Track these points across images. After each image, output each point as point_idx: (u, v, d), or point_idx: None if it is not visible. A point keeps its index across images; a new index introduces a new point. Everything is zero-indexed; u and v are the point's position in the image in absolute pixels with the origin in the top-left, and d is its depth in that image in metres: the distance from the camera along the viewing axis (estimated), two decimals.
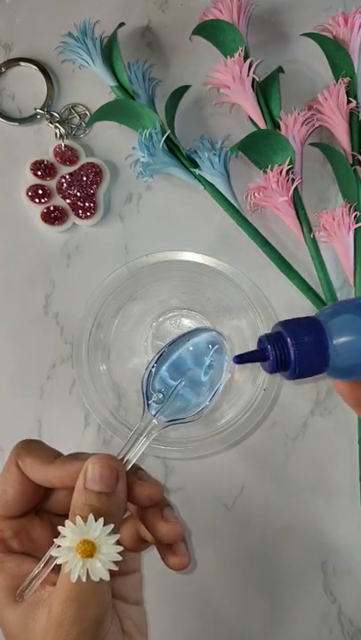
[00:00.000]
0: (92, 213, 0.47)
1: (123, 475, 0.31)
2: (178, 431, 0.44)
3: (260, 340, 0.32)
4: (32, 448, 0.33)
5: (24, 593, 0.30)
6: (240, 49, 0.44)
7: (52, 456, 0.32)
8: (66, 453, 0.33)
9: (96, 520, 0.29)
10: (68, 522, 0.29)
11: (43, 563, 0.30)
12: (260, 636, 0.45)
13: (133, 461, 0.33)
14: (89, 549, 0.28)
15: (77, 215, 0.47)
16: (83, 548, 0.28)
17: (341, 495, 0.45)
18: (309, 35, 0.46)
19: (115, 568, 0.28)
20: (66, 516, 0.30)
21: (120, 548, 0.28)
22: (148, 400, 0.37)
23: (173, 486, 0.46)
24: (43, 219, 0.47)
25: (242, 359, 0.32)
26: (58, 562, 0.28)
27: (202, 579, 0.45)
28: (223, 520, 0.45)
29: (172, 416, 0.37)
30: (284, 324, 0.31)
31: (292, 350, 0.30)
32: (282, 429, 0.46)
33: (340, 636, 0.45)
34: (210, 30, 0.46)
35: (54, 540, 0.29)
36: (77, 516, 0.29)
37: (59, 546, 0.29)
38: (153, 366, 0.38)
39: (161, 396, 0.38)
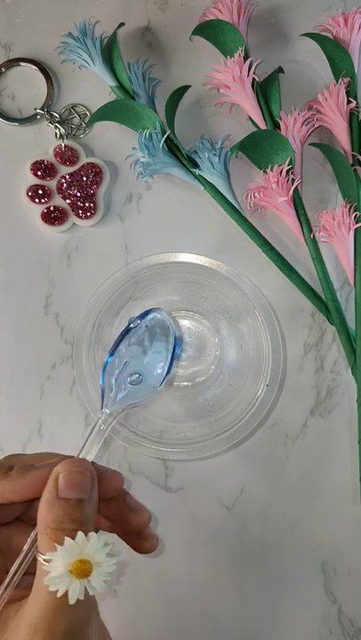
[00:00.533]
0: (92, 213, 0.47)
1: (95, 475, 0.30)
2: (178, 431, 0.44)
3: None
4: None
5: None
6: (240, 49, 0.44)
7: (4, 469, 0.30)
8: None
9: (86, 534, 0.27)
10: (57, 546, 0.26)
11: (6, 581, 0.28)
12: (260, 635, 0.45)
13: (91, 458, 0.33)
14: (86, 568, 0.26)
15: (77, 215, 0.47)
16: (80, 568, 0.26)
17: (342, 495, 0.45)
18: (310, 35, 0.46)
19: (110, 578, 0.27)
20: (9, 525, 0.29)
21: (116, 559, 0.27)
22: (102, 397, 0.37)
23: (174, 487, 0.46)
24: (43, 219, 0.47)
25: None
26: (59, 594, 0.26)
27: (201, 579, 0.45)
28: (223, 520, 0.45)
29: (125, 403, 0.37)
30: None
31: None
32: (282, 430, 0.46)
33: (340, 636, 0.45)
34: (210, 30, 0.46)
35: (43, 567, 0.26)
36: (66, 538, 0.26)
37: (46, 571, 0.26)
38: (105, 365, 0.38)
39: (136, 376, 0.38)
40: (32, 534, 0.29)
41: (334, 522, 0.45)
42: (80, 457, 0.32)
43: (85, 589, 0.26)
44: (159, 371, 0.40)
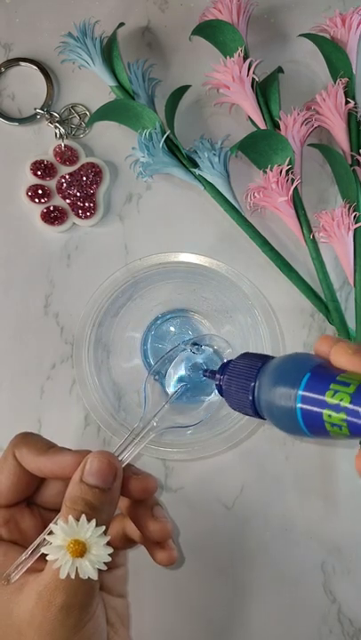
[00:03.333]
0: (91, 213, 0.47)
1: (120, 474, 0.32)
2: (179, 432, 0.44)
3: (222, 365, 0.34)
4: (29, 439, 0.34)
5: (10, 577, 0.30)
6: (240, 49, 0.44)
7: (47, 447, 0.33)
8: None
9: (89, 520, 0.29)
10: (60, 520, 0.29)
11: (30, 550, 0.31)
12: (260, 635, 0.45)
13: (127, 461, 0.34)
14: (79, 549, 0.28)
15: (77, 215, 0.47)
16: (73, 547, 0.28)
17: (341, 495, 0.45)
18: (307, 35, 0.46)
19: (104, 568, 0.28)
20: (55, 512, 0.31)
21: (110, 550, 0.29)
22: (146, 401, 0.37)
23: (174, 486, 0.46)
24: (43, 219, 0.47)
25: (205, 374, 0.36)
26: (48, 559, 0.29)
27: (201, 579, 0.45)
28: (223, 520, 0.46)
29: (170, 420, 0.38)
30: (243, 355, 0.33)
31: (223, 383, 0.33)
32: None
33: (340, 636, 0.45)
34: (209, 30, 0.46)
35: (45, 537, 0.29)
36: (70, 516, 0.29)
37: (47, 540, 0.29)
38: (156, 368, 0.38)
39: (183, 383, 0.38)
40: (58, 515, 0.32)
41: (334, 522, 0.45)
42: (111, 452, 0.33)
43: (76, 570, 0.28)
44: (205, 404, 0.41)
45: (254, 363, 0.31)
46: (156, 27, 0.49)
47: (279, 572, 0.45)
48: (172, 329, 0.47)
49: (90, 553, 0.28)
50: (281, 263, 0.46)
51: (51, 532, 0.29)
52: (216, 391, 0.35)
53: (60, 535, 0.29)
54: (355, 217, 0.44)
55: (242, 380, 0.31)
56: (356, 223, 0.44)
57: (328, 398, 0.25)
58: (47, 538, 0.29)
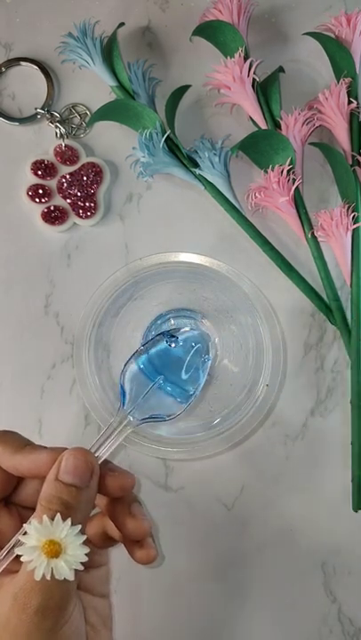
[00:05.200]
0: (92, 213, 0.47)
1: (97, 471, 0.31)
2: (179, 432, 0.44)
3: None
4: (5, 437, 0.33)
5: None
6: (240, 49, 0.44)
7: (23, 444, 0.32)
8: None
9: (64, 519, 0.28)
10: (33, 520, 0.28)
11: (5, 551, 0.30)
12: (260, 635, 0.45)
13: (104, 457, 0.33)
14: (54, 550, 0.27)
15: (78, 215, 0.47)
16: (48, 548, 0.27)
17: (342, 495, 0.45)
18: (312, 34, 0.46)
19: (80, 568, 0.28)
20: (34, 511, 0.30)
21: (87, 550, 0.28)
22: (123, 396, 0.37)
23: (174, 486, 0.46)
24: (43, 218, 0.47)
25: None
26: (22, 560, 0.28)
27: (201, 579, 0.45)
28: (223, 520, 0.45)
29: (147, 413, 0.37)
30: None
31: None
32: (282, 429, 0.46)
33: (340, 636, 0.45)
34: (210, 31, 0.46)
35: (19, 537, 0.29)
36: (44, 516, 0.28)
37: (21, 541, 0.28)
38: (130, 362, 0.38)
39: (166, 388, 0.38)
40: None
41: (334, 521, 0.45)
42: (95, 438, 0.33)
43: (52, 571, 0.27)
44: (188, 388, 0.40)
45: None
46: (157, 26, 0.49)
47: (279, 572, 0.45)
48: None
49: (65, 553, 0.28)
50: (282, 263, 0.46)
51: (25, 533, 0.28)
52: (201, 382, 0.36)
53: (34, 535, 0.28)
54: (353, 217, 0.44)
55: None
56: (354, 223, 0.44)
57: None
58: (21, 538, 0.28)
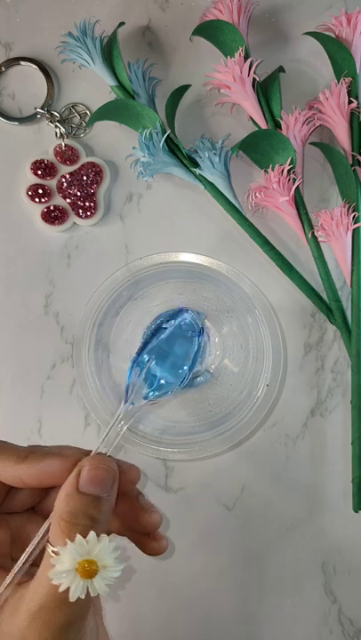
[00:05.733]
0: (92, 213, 0.47)
1: (117, 476, 0.30)
2: (178, 432, 0.44)
3: None
4: (3, 447, 0.31)
5: None
6: (240, 49, 0.44)
7: (25, 453, 0.30)
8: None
9: (95, 534, 0.26)
10: (69, 543, 0.26)
11: (9, 578, 0.28)
12: (260, 635, 0.45)
13: (109, 453, 0.32)
14: (92, 570, 0.26)
15: (78, 215, 0.47)
16: (85, 568, 0.26)
17: (342, 495, 0.45)
18: (312, 34, 0.46)
19: (114, 582, 0.26)
20: (24, 517, 0.29)
21: (122, 566, 0.26)
22: (127, 392, 0.38)
23: (174, 487, 0.46)
24: (43, 218, 0.47)
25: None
26: (61, 589, 0.26)
27: (202, 579, 0.45)
28: (224, 520, 0.45)
29: (147, 395, 0.38)
30: None
31: None
32: (282, 429, 0.46)
33: (340, 637, 0.45)
34: (210, 30, 0.46)
35: (51, 560, 0.26)
36: (78, 535, 0.26)
37: (50, 563, 0.26)
38: (134, 361, 0.39)
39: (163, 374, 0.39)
40: (44, 525, 0.29)
41: (335, 522, 0.45)
42: (100, 450, 0.31)
43: (87, 589, 0.26)
44: (182, 369, 0.41)
45: None
46: (157, 26, 0.49)
47: (280, 573, 0.45)
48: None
49: (102, 570, 0.26)
50: (282, 263, 0.46)
51: (56, 553, 0.26)
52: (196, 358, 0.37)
53: (69, 557, 0.26)
54: (354, 217, 0.44)
55: None
56: (354, 223, 0.44)
57: None
58: (53, 561, 0.26)
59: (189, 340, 0.42)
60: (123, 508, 0.32)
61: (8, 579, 0.28)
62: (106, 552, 0.26)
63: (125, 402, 0.37)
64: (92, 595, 0.26)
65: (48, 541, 0.27)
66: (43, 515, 0.33)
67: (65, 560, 0.26)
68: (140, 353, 0.40)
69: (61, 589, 0.26)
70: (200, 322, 0.43)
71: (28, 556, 0.29)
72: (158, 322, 0.42)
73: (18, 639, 0.26)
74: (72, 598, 0.25)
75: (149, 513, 0.32)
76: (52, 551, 0.27)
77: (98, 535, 0.26)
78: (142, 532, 0.32)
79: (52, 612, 0.26)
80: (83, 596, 0.26)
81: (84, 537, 0.26)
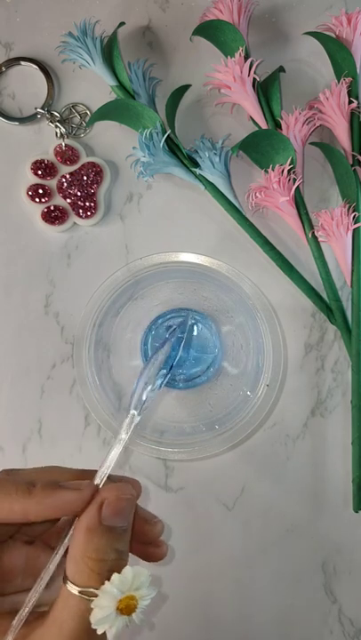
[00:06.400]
0: (92, 213, 0.47)
1: (135, 501, 0.28)
2: (178, 432, 0.44)
3: None
4: (3, 482, 0.28)
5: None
6: (240, 49, 0.44)
7: (27, 487, 0.27)
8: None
9: (120, 566, 0.25)
10: (107, 586, 0.25)
11: (24, 613, 0.26)
12: (260, 635, 0.45)
13: (111, 467, 0.31)
14: (133, 605, 0.25)
15: (78, 215, 0.47)
16: (126, 605, 0.25)
17: (342, 495, 0.45)
18: (312, 34, 0.46)
19: (146, 608, 0.26)
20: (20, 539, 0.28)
21: (154, 593, 0.26)
22: (131, 399, 0.37)
23: (174, 487, 0.46)
24: (43, 218, 0.47)
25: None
26: (100, 631, 0.25)
27: (202, 579, 0.45)
28: (224, 520, 0.45)
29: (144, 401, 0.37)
30: None
31: None
32: (282, 430, 0.46)
33: (340, 637, 0.45)
34: (210, 30, 0.46)
35: (91, 605, 0.25)
36: (115, 575, 0.25)
37: (93, 610, 0.25)
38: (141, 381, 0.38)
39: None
40: (53, 559, 0.28)
41: (335, 522, 0.45)
42: (106, 465, 0.30)
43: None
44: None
45: None
46: (157, 26, 0.49)
47: (280, 572, 0.45)
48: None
49: (141, 601, 0.25)
50: (282, 263, 0.46)
51: (80, 594, 0.25)
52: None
53: (109, 597, 0.24)
54: (354, 217, 0.44)
55: None
56: (355, 223, 0.44)
57: None
58: (93, 605, 0.24)
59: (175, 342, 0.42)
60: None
61: (16, 622, 0.26)
62: (144, 587, 0.25)
63: (138, 413, 0.36)
64: (128, 625, 0.25)
65: (67, 579, 0.26)
66: (44, 543, 0.31)
67: (105, 602, 0.24)
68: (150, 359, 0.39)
69: (100, 631, 0.24)
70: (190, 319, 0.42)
71: (37, 593, 0.27)
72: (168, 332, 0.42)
73: None
74: (114, 637, 0.25)
75: (152, 524, 0.31)
76: (81, 591, 0.25)
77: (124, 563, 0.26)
78: (145, 542, 0.31)
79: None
80: (120, 632, 0.25)
81: (118, 572, 0.25)
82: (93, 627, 0.24)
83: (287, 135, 0.45)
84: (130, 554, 0.29)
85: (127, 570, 0.25)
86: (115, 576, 0.25)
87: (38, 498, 0.26)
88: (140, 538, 0.31)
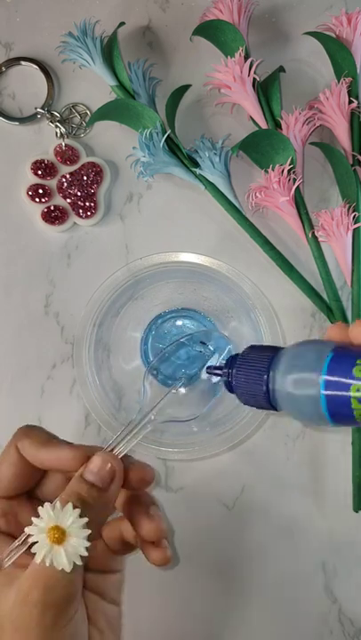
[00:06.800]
0: (92, 213, 0.47)
1: (119, 476, 0.32)
2: (178, 432, 0.44)
3: (227, 359, 0.33)
4: (31, 431, 0.34)
5: (2, 562, 0.30)
6: (240, 49, 0.44)
7: (48, 439, 0.33)
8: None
9: (90, 519, 0.29)
10: (46, 504, 0.29)
11: (23, 537, 0.31)
12: (260, 635, 0.45)
13: (125, 452, 0.34)
14: (57, 536, 0.28)
15: (78, 215, 0.47)
16: (52, 533, 0.28)
17: (342, 495, 0.45)
18: (313, 34, 0.46)
19: (78, 562, 0.28)
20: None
21: (87, 544, 0.28)
22: (145, 395, 0.37)
23: (174, 487, 0.46)
24: (43, 218, 0.47)
25: (209, 371, 0.35)
26: (30, 540, 0.29)
27: (202, 579, 0.45)
28: (224, 520, 0.45)
29: (168, 415, 0.37)
30: (251, 347, 0.32)
31: (234, 376, 0.32)
32: (282, 430, 0.46)
33: (340, 637, 0.45)
34: (210, 30, 0.46)
35: (32, 518, 0.29)
36: (57, 501, 0.29)
37: (33, 522, 0.29)
38: (155, 364, 0.38)
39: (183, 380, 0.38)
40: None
41: (335, 521, 0.45)
42: (115, 450, 0.33)
43: (52, 561, 0.28)
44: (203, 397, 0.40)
45: (265, 354, 0.31)
46: (157, 26, 0.49)
47: (280, 572, 0.45)
48: (172, 329, 0.46)
49: (67, 543, 0.28)
50: (282, 263, 0.46)
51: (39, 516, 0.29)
52: (221, 385, 0.35)
53: (44, 518, 0.29)
54: (354, 217, 0.44)
55: (254, 372, 0.30)
56: (355, 223, 0.44)
57: (357, 373, 0.25)
58: (33, 520, 0.29)
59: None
60: (133, 513, 0.34)
61: (16, 542, 0.31)
62: (75, 526, 0.28)
63: (142, 406, 0.37)
64: (55, 566, 0.28)
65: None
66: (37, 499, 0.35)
67: (41, 520, 0.29)
68: (158, 363, 0.40)
69: (38, 561, 0.28)
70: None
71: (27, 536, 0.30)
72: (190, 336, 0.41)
73: (8, 612, 0.28)
74: (37, 559, 0.28)
75: (154, 521, 0.33)
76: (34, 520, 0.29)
77: (82, 515, 0.29)
78: (146, 538, 0.33)
79: (29, 587, 0.28)
80: (47, 562, 0.28)
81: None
82: (27, 532, 0.29)
83: (287, 135, 0.45)
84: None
85: (68, 506, 0.29)
86: (56, 504, 0.29)
87: (49, 448, 0.32)
88: (139, 532, 0.33)
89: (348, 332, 0.28)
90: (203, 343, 0.40)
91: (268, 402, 0.30)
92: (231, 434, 0.42)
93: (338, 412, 0.26)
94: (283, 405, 0.30)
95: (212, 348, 0.40)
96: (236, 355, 0.33)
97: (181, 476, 0.46)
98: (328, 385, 0.26)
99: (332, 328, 0.29)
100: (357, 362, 0.25)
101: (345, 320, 0.45)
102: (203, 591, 0.45)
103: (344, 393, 0.26)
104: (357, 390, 0.25)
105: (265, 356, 0.31)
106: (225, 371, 0.33)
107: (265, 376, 0.30)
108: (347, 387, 0.25)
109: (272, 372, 0.30)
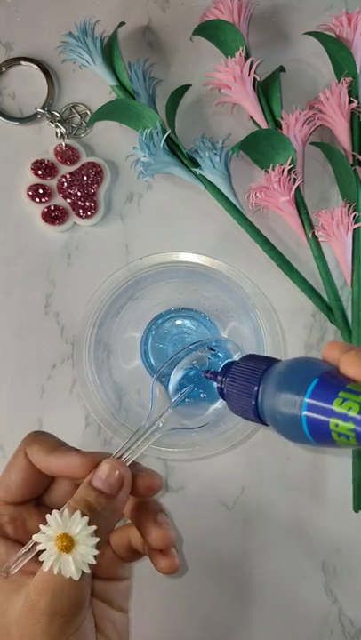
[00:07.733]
0: (92, 213, 0.47)
1: (128, 483, 0.32)
2: (182, 433, 0.44)
3: (223, 365, 0.33)
4: (40, 437, 0.34)
5: (9, 570, 0.30)
6: (241, 49, 0.44)
7: (56, 445, 0.33)
8: None
9: (98, 527, 0.28)
10: (55, 512, 0.29)
11: (30, 544, 0.30)
12: (260, 636, 0.45)
13: (132, 460, 0.34)
14: (66, 544, 0.28)
15: (78, 215, 0.47)
16: (60, 541, 0.28)
17: (342, 495, 0.45)
18: (313, 34, 0.46)
19: (87, 570, 0.28)
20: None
21: (96, 552, 0.28)
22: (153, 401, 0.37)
23: (174, 486, 0.46)
24: (43, 218, 0.47)
25: (205, 375, 0.35)
26: (38, 548, 0.28)
27: (202, 579, 0.45)
28: (224, 520, 0.45)
29: (177, 422, 0.37)
30: (247, 357, 0.32)
31: (225, 385, 0.32)
32: None
33: (340, 637, 0.45)
34: (210, 30, 0.46)
35: (40, 526, 0.29)
36: (65, 508, 0.29)
37: (41, 530, 0.29)
38: (164, 369, 0.38)
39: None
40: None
41: (335, 521, 0.45)
42: (123, 458, 0.33)
43: (60, 568, 0.28)
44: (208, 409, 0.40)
45: (259, 365, 0.30)
46: (157, 26, 0.49)
47: (280, 572, 0.45)
48: (172, 329, 0.46)
49: (76, 551, 0.28)
50: (282, 263, 0.46)
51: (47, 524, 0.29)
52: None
53: (52, 526, 0.28)
54: (354, 217, 0.44)
55: (245, 383, 0.30)
56: (355, 223, 0.44)
57: (336, 407, 0.24)
58: (41, 527, 0.29)
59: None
60: (141, 520, 0.33)
61: (23, 550, 0.30)
62: (83, 534, 0.28)
63: (150, 413, 0.37)
64: (63, 574, 0.27)
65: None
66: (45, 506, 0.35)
67: (49, 528, 0.28)
68: (167, 368, 0.39)
69: (46, 568, 0.28)
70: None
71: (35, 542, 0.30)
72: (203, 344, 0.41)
73: (15, 619, 0.28)
74: (45, 567, 0.28)
75: (162, 529, 0.33)
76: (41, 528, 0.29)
77: (90, 523, 0.28)
78: (153, 546, 0.33)
79: (37, 594, 0.28)
80: (55, 570, 0.27)
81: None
82: (35, 540, 0.29)
83: (287, 135, 0.45)
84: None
85: (76, 514, 0.28)
86: (64, 512, 0.29)
87: (58, 455, 0.32)
88: (147, 540, 0.33)
89: (340, 360, 0.27)
90: (211, 349, 0.40)
91: (256, 415, 0.30)
92: (231, 434, 0.42)
93: (319, 435, 0.26)
94: (269, 420, 0.30)
95: (221, 355, 0.40)
96: (232, 362, 0.33)
97: (181, 476, 0.46)
98: (310, 408, 0.26)
99: (328, 348, 0.28)
100: (340, 394, 0.25)
101: (345, 320, 0.45)
102: (203, 591, 0.45)
103: (325, 419, 0.25)
104: (336, 425, 0.24)
105: (258, 368, 0.30)
106: (219, 378, 0.33)
107: (255, 388, 0.30)
108: (327, 416, 0.25)
109: (262, 385, 0.29)
